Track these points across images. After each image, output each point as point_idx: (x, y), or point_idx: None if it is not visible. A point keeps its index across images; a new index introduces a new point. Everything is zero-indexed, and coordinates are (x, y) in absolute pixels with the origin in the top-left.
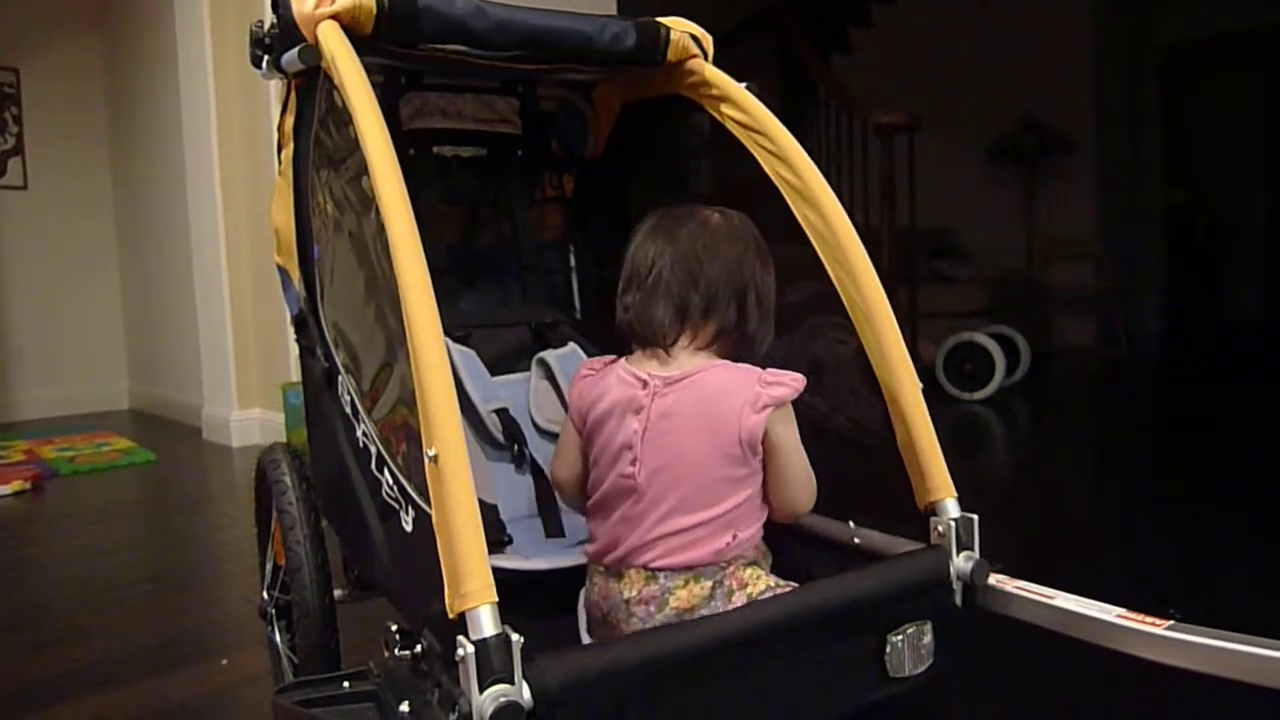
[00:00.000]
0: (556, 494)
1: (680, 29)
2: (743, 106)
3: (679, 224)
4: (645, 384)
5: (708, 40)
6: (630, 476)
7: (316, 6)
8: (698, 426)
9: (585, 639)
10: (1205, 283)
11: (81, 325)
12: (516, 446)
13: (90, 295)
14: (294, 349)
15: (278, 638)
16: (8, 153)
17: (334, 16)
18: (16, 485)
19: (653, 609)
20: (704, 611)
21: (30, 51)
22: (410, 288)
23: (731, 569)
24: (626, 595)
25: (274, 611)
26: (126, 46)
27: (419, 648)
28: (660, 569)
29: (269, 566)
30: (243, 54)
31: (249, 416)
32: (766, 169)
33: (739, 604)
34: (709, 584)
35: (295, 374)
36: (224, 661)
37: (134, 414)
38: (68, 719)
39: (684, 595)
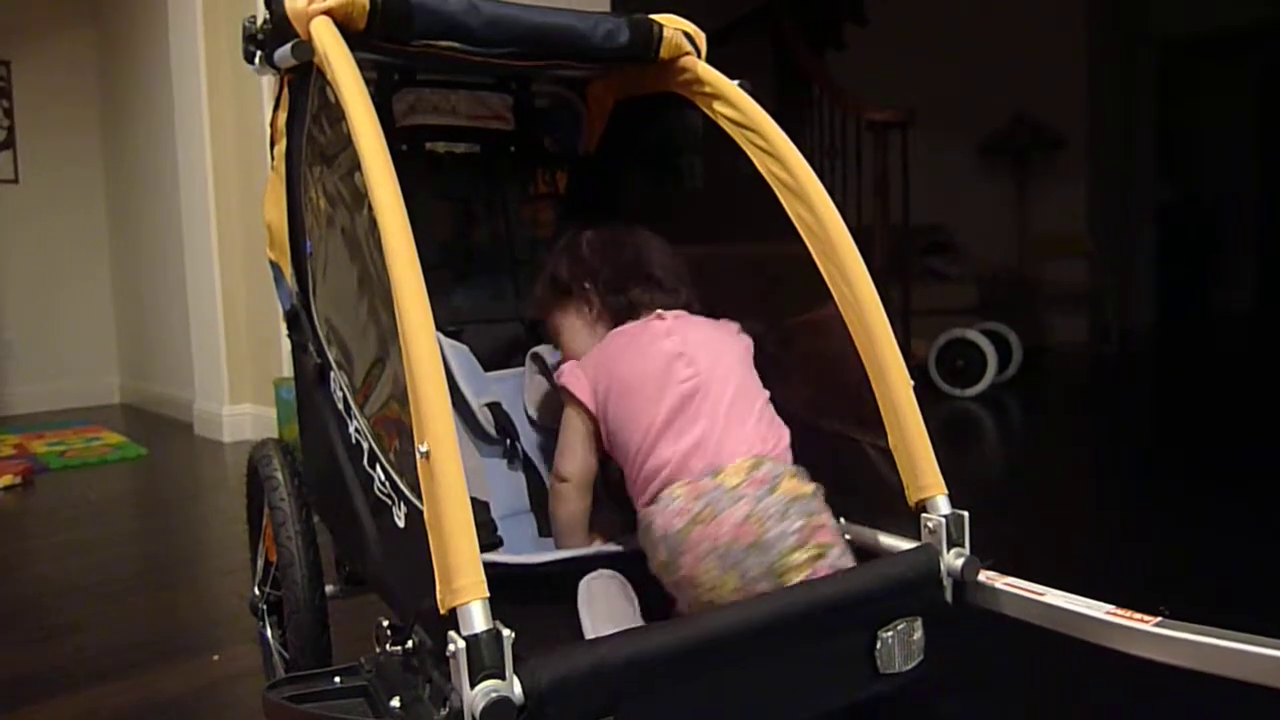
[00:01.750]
0: (554, 503)
1: (673, 26)
2: (735, 103)
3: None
4: (661, 318)
5: (701, 37)
6: (691, 378)
7: (310, 2)
8: (720, 340)
9: (589, 631)
10: (1198, 279)
11: (73, 319)
12: (509, 441)
13: (82, 289)
14: (286, 344)
15: (269, 633)
16: None
17: (327, 12)
18: (7, 480)
19: (765, 490)
20: (796, 516)
21: (22, 44)
22: (402, 283)
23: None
24: (732, 483)
25: (265, 607)
26: (119, 40)
27: (410, 643)
28: (761, 455)
29: (260, 562)
30: (235, 49)
31: (241, 412)
32: (759, 166)
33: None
34: (810, 488)
35: (288, 369)
36: (215, 657)
37: (125, 409)
38: (58, 714)
39: (791, 485)
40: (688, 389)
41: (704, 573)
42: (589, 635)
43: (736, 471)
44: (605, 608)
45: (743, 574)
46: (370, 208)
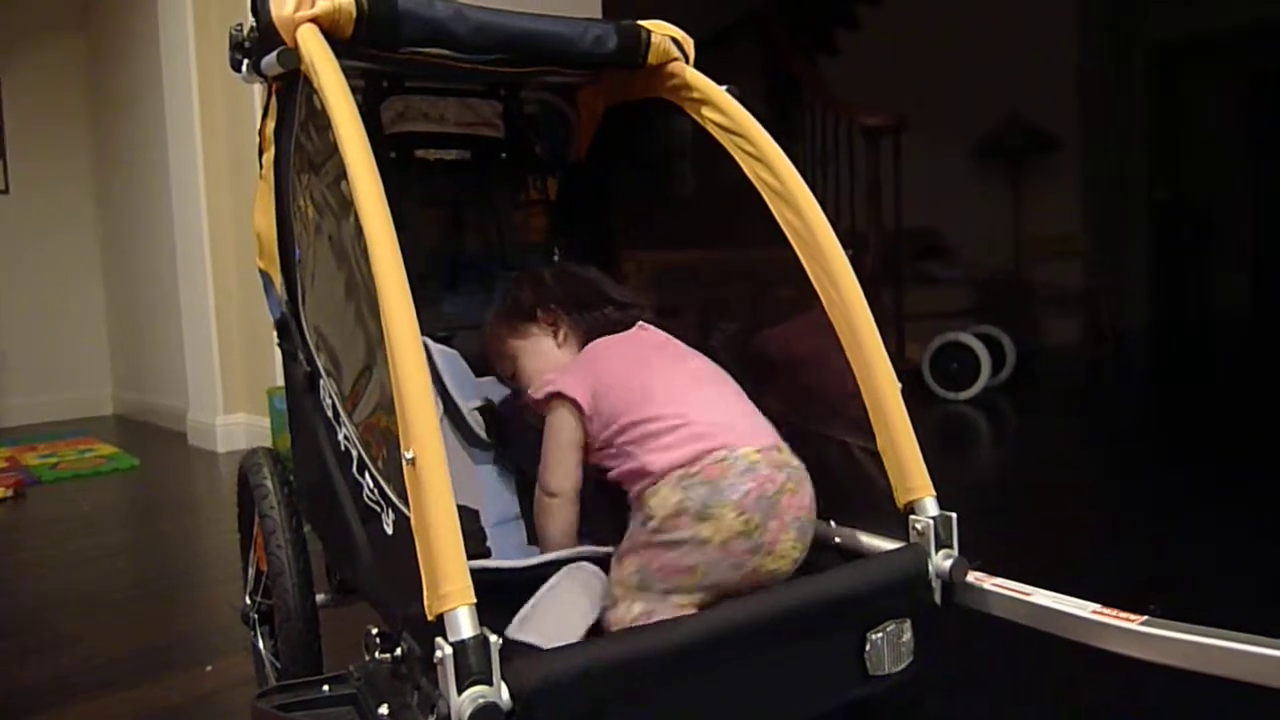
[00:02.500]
0: (541, 518)
1: (661, 32)
2: (723, 109)
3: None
4: (644, 329)
5: (688, 43)
6: (694, 368)
7: (296, 10)
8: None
9: (521, 615)
10: (1192, 280)
11: (66, 330)
12: (500, 445)
13: (74, 300)
14: (279, 353)
15: (261, 643)
16: None
17: (313, 20)
18: None
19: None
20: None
21: (12, 56)
22: (388, 291)
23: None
24: (795, 461)
25: (257, 616)
26: (110, 51)
27: (399, 650)
28: (767, 447)
29: (252, 571)
30: (226, 60)
31: (234, 421)
32: (747, 171)
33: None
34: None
35: (280, 378)
36: (209, 668)
37: (119, 420)
38: None
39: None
40: (693, 369)
41: (784, 539)
42: (518, 618)
43: (787, 452)
44: (563, 598)
45: (805, 543)
46: (356, 215)
